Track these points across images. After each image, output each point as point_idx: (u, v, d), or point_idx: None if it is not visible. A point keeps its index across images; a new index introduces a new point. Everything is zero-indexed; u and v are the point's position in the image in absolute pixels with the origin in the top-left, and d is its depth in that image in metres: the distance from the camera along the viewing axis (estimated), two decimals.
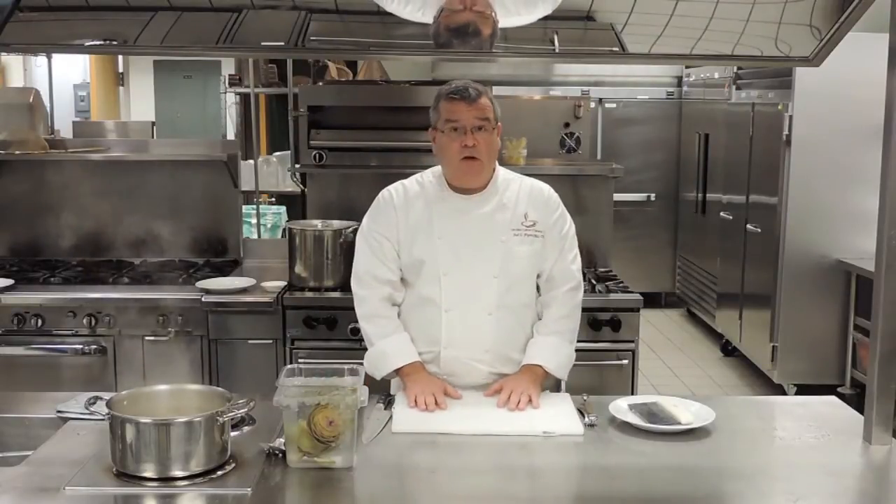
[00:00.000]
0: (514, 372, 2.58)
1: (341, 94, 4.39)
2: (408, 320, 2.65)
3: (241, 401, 2.05)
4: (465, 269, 2.58)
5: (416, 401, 2.38)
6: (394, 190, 2.68)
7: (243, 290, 3.71)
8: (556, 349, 2.60)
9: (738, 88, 6.52)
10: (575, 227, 2.74)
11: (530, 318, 2.67)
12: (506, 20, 2.22)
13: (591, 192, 4.31)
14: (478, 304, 2.58)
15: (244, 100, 6.63)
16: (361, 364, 2.41)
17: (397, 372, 2.56)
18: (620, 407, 2.35)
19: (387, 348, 2.58)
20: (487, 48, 2.20)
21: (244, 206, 4.63)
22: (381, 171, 4.08)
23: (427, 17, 2.17)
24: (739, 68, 6.43)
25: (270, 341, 3.65)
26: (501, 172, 2.66)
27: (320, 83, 5.18)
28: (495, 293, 2.58)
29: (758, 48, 2.38)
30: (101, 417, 2.14)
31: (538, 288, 2.69)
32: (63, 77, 10.63)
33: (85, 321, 3.62)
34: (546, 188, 2.71)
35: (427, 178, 2.66)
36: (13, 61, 10.68)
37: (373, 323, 2.62)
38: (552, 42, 2.36)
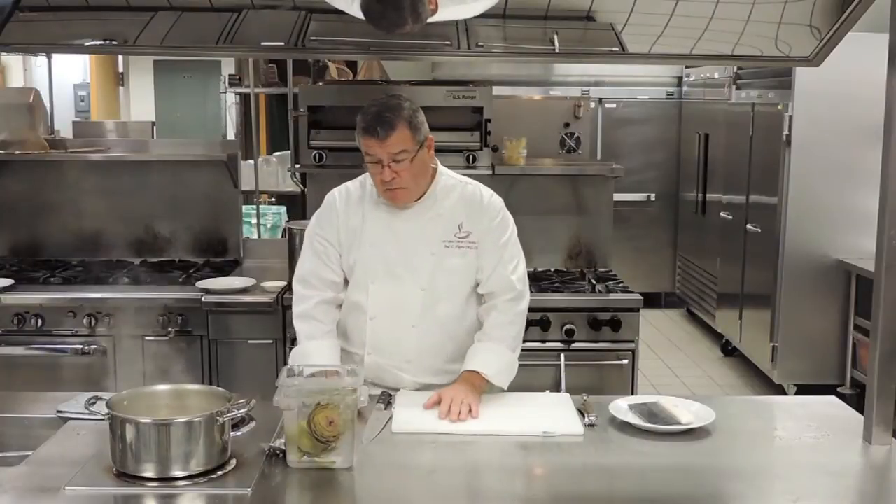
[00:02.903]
0: (444, 382, 2.56)
1: (341, 94, 4.39)
2: (342, 319, 2.66)
3: (241, 401, 2.05)
4: (393, 279, 2.56)
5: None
6: (338, 192, 2.66)
7: (243, 290, 3.72)
8: (495, 356, 2.55)
9: (738, 88, 6.51)
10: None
11: (462, 328, 2.62)
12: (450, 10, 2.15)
13: (591, 192, 4.32)
14: (403, 315, 2.56)
15: (244, 100, 6.63)
16: (361, 365, 2.42)
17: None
18: (620, 407, 2.35)
19: (311, 351, 2.55)
20: (421, 21, 2.05)
21: (244, 206, 4.63)
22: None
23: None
24: (739, 68, 6.42)
25: (270, 341, 3.65)
26: (442, 179, 2.61)
27: (320, 83, 5.18)
28: (421, 306, 2.56)
29: (758, 48, 2.38)
30: (101, 417, 2.14)
31: (481, 297, 2.64)
32: (63, 77, 10.62)
33: (85, 321, 3.62)
34: (487, 194, 2.63)
35: (370, 182, 2.60)
36: (13, 61, 10.67)
37: (307, 323, 2.61)
38: (552, 42, 2.36)
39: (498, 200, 2.63)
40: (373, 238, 2.57)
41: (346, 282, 2.65)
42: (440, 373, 2.59)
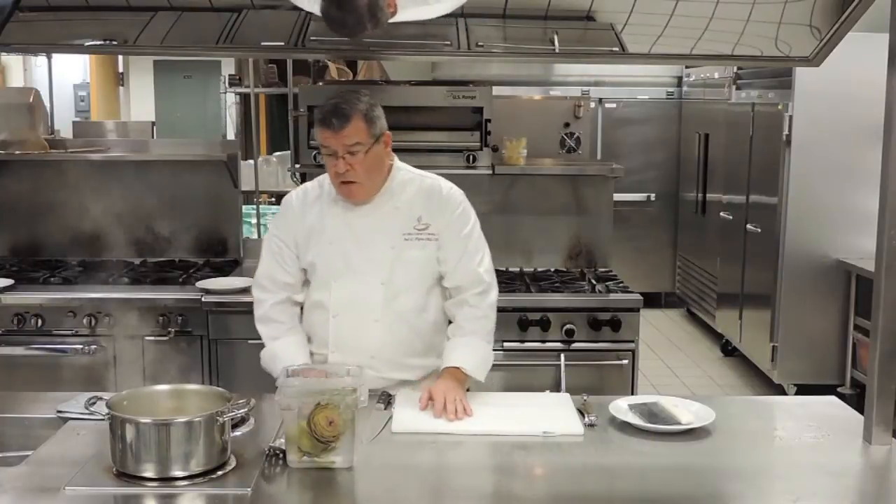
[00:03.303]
0: (408, 377, 2.59)
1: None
2: (305, 319, 2.68)
3: (241, 401, 2.05)
4: (353, 275, 2.57)
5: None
6: (295, 193, 2.69)
7: (243, 290, 3.71)
8: (472, 350, 2.56)
9: (738, 88, 6.51)
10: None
11: (425, 322, 2.63)
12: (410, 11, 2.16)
13: (591, 192, 4.32)
14: (364, 310, 2.57)
15: (244, 100, 6.63)
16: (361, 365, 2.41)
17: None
18: (620, 407, 2.35)
19: (277, 351, 2.60)
20: (381, 25, 2.08)
21: (244, 206, 4.63)
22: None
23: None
24: (739, 68, 6.42)
25: None
26: (399, 174, 2.62)
27: (320, 83, 5.18)
28: (382, 299, 2.56)
29: (758, 48, 2.38)
30: (101, 417, 2.14)
31: (448, 291, 2.64)
32: (63, 77, 10.62)
33: (85, 321, 3.62)
34: (446, 186, 2.64)
35: (328, 181, 2.61)
36: (13, 61, 10.67)
37: (267, 325, 2.65)
38: (552, 42, 2.36)
39: (458, 193, 2.64)
40: (332, 235, 2.58)
41: (308, 282, 2.67)
42: (404, 368, 2.59)
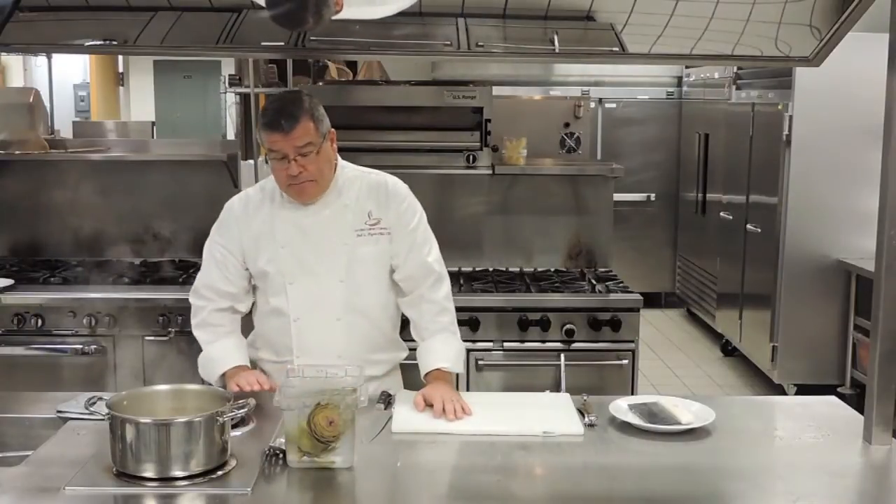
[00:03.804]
0: (375, 373, 2.58)
1: (341, 94, 4.39)
2: (261, 330, 2.66)
3: (241, 401, 2.05)
4: (310, 276, 2.56)
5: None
6: (237, 200, 2.66)
7: None
8: (445, 347, 2.58)
9: (738, 88, 6.52)
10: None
11: (384, 316, 2.64)
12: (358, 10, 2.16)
13: (591, 192, 4.32)
14: (325, 310, 2.56)
15: (244, 100, 6.61)
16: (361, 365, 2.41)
17: (223, 377, 2.56)
18: (620, 407, 2.35)
19: (213, 353, 2.59)
20: (323, 21, 2.06)
21: None
22: (380, 170, 4.08)
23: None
24: (739, 68, 6.43)
25: None
26: (344, 172, 2.61)
27: (320, 83, 5.17)
28: (342, 298, 2.56)
29: (758, 48, 2.38)
30: (101, 417, 2.14)
31: (400, 287, 2.65)
32: (63, 77, 10.64)
33: (85, 321, 3.62)
34: (391, 181, 2.64)
35: (270, 185, 2.60)
36: (13, 61, 10.68)
37: (203, 331, 2.63)
38: (552, 42, 2.36)
39: (403, 187, 2.65)
40: (283, 239, 2.56)
41: (253, 289, 2.65)
42: (369, 364, 2.57)
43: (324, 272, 2.56)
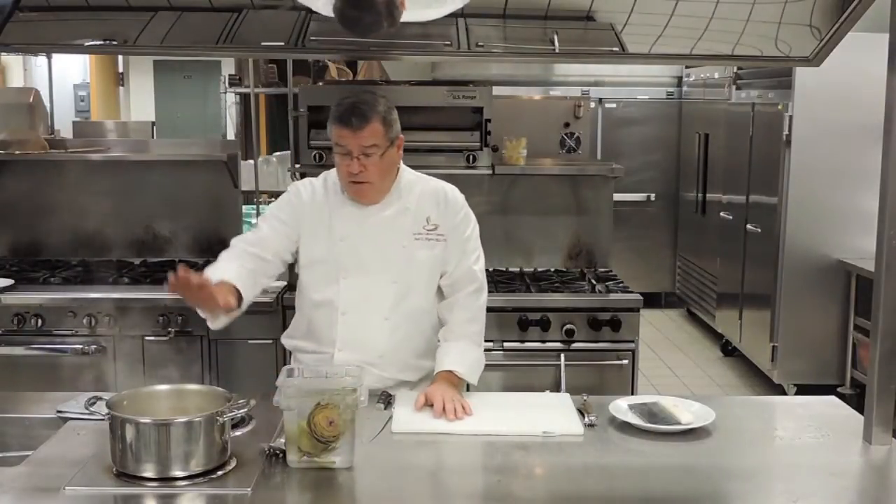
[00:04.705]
0: (411, 378, 2.59)
1: (341, 94, 4.37)
2: (305, 320, 2.66)
3: (241, 401, 2.05)
4: (364, 273, 2.56)
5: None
6: (302, 185, 2.65)
7: None
8: (464, 353, 2.56)
9: (738, 88, 6.51)
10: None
11: (429, 323, 2.64)
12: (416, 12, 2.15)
13: (591, 192, 4.32)
14: (374, 308, 2.56)
15: (244, 100, 6.62)
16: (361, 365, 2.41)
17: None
18: (620, 407, 2.35)
19: (217, 264, 2.47)
20: (396, 24, 2.07)
21: (244, 206, 4.63)
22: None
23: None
24: (739, 68, 6.42)
25: (270, 341, 3.65)
26: (405, 175, 2.63)
27: (320, 83, 5.17)
28: (392, 298, 2.57)
29: (758, 48, 2.38)
30: (101, 417, 2.14)
31: (441, 290, 2.65)
32: (63, 77, 10.63)
33: (85, 321, 3.62)
34: (450, 190, 2.66)
35: (332, 178, 2.61)
36: (13, 61, 10.67)
37: (227, 253, 2.53)
38: (552, 42, 2.36)
39: (461, 196, 2.67)
40: (342, 232, 2.57)
41: (288, 266, 2.64)
42: (409, 368, 2.60)
43: (378, 271, 2.56)
